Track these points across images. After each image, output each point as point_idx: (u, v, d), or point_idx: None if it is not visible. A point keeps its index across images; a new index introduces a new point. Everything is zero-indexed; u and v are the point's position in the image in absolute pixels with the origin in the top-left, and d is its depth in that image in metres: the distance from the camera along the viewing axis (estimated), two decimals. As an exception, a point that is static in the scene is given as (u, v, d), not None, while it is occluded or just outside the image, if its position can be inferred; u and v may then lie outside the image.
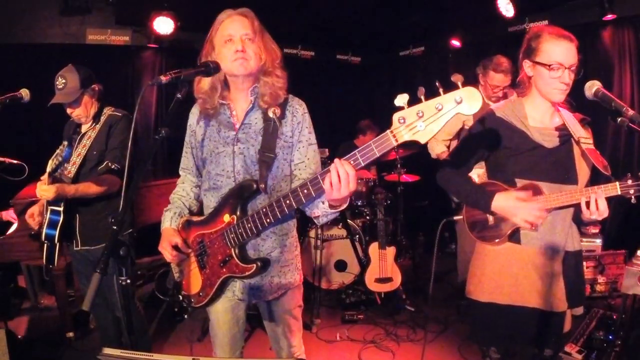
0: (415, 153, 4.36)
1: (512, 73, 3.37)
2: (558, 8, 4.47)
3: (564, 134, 1.82)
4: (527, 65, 1.82)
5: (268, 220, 1.60)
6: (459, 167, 1.96)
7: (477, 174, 2.19)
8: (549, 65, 1.72)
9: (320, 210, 1.65)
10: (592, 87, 1.65)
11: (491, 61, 3.43)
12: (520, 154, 1.83)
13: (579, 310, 2.96)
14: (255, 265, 1.70)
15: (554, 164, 1.81)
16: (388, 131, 1.32)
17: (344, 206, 1.60)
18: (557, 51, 1.72)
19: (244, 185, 1.71)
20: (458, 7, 5.16)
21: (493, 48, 5.33)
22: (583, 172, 1.82)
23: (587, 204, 1.67)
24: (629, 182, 1.65)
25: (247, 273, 1.71)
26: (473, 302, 1.98)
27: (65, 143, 2.49)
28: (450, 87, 1.26)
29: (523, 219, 1.75)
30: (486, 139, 1.88)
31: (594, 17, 4.22)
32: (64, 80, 2.40)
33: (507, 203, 1.78)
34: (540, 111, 1.85)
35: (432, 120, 1.26)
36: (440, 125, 1.27)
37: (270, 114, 1.72)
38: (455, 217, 3.07)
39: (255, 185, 1.69)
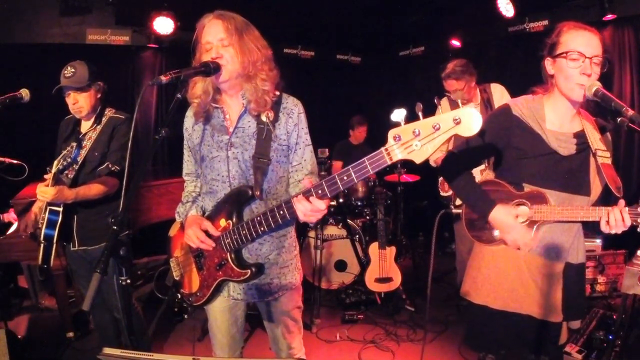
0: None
1: (465, 75, 3.42)
2: (558, 8, 4.47)
3: (582, 142, 1.73)
4: (548, 63, 1.72)
5: (262, 228, 1.60)
6: (465, 161, 1.87)
7: (479, 170, 2.10)
8: (567, 53, 1.62)
9: None
10: (592, 87, 1.61)
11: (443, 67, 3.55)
12: (532, 158, 1.74)
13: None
14: (250, 270, 1.70)
15: (567, 172, 1.72)
16: (382, 148, 1.26)
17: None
18: (577, 41, 1.62)
19: (240, 192, 1.71)
20: (458, 7, 5.17)
21: (493, 48, 5.36)
22: (596, 185, 1.73)
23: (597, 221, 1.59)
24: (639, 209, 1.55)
25: (242, 278, 1.71)
26: (469, 304, 1.92)
27: (74, 144, 2.47)
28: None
29: (512, 241, 1.74)
30: (497, 135, 1.80)
31: (594, 17, 4.21)
32: (73, 69, 2.40)
33: (505, 220, 1.74)
34: (560, 114, 1.74)
35: (428, 140, 1.20)
36: (437, 145, 1.20)
37: (264, 118, 1.70)
38: (454, 210, 3.05)
39: (250, 192, 1.68)
